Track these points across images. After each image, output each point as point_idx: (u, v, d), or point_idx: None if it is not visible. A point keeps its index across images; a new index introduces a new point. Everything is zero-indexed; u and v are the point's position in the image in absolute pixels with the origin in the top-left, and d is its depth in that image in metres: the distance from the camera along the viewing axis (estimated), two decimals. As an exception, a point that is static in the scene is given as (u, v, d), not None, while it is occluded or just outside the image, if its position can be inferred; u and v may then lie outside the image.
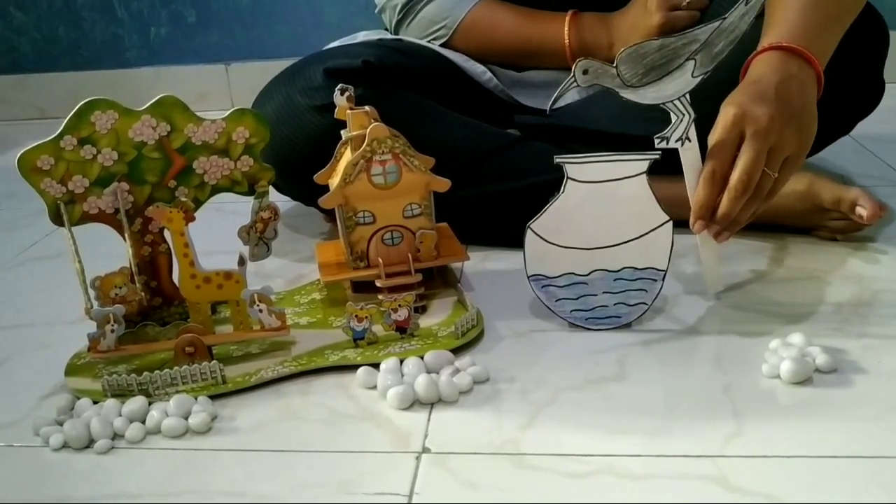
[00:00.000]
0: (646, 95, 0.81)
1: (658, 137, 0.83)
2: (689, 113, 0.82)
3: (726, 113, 0.82)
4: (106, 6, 1.97)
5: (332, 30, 1.88)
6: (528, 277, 0.86)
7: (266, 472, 0.69)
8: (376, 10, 1.24)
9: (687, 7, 1.08)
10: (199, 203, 0.86)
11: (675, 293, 0.92)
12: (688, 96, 0.82)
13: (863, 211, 0.97)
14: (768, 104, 0.81)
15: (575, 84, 0.81)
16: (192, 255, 0.82)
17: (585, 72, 0.81)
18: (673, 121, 0.82)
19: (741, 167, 0.81)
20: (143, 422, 0.75)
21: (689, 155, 0.84)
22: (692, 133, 0.83)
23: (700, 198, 0.83)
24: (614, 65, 0.80)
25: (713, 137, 0.82)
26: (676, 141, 0.83)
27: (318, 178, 0.93)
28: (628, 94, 0.82)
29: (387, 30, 1.26)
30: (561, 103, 1.16)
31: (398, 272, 0.90)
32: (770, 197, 0.84)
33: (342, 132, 0.93)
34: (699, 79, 0.81)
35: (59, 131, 0.81)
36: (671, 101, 0.82)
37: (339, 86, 0.93)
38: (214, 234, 0.89)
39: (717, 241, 0.85)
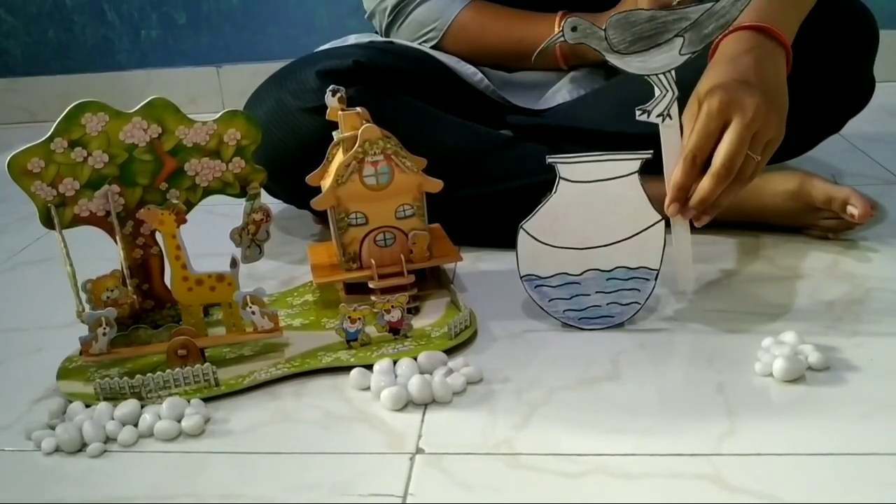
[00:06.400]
0: (631, 64, 0.81)
1: (639, 109, 0.83)
2: (672, 90, 0.81)
3: (713, 99, 0.81)
4: (96, 9, 1.97)
5: (323, 32, 1.88)
6: (521, 278, 0.86)
7: (260, 475, 0.69)
8: (366, 16, 1.24)
9: (677, 6, 1.08)
10: (190, 205, 0.86)
11: (667, 292, 0.92)
12: (673, 73, 0.81)
13: (854, 210, 0.98)
14: (754, 92, 0.81)
15: (562, 38, 0.81)
16: (184, 258, 0.81)
17: (574, 29, 0.81)
18: (656, 95, 0.82)
19: (726, 153, 0.81)
20: (136, 425, 0.75)
21: (669, 133, 0.83)
22: (674, 111, 0.82)
23: (678, 180, 0.83)
24: (603, 28, 0.80)
25: (694, 119, 0.83)
26: (657, 116, 0.82)
27: (310, 179, 0.93)
28: (614, 60, 0.81)
29: (377, 33, 1.26)
30: (552, 102, 1.17)
31: (391, 273, 0.90)
32: (750, 180, 0.85)
33: (334, 133, 0.93)
34: (686, 57, 0.80)
35: (49, 134, 0.80)
36: (656, 75, 0.81)
37: (331, 87, 0.93)
38: (206, 236, 0.89)
39: (697, 224, 0.85)
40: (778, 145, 0.85)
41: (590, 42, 0.81)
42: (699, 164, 0.82)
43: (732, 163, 0.81)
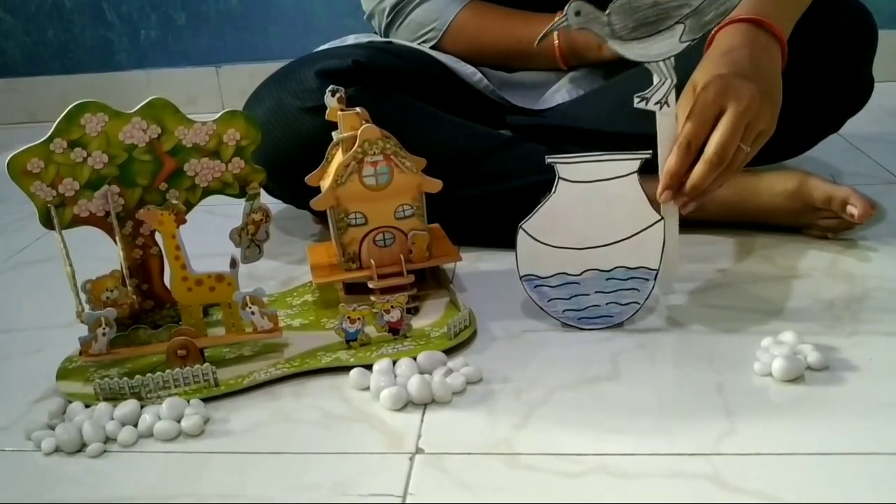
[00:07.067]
0: (632, 50, 0.81)
1: (638, 96, 0.83)
2: (671, 77, 0.81)
3: (709, 87, 0.82)
4: (95, 9, 1.97)
5: (322, 32, 1.88)
6: (521, 278, 0.86)
7: (259, 475, 0.69)
8: (364, 17, 1.24)
9: None
10: (190, 205, 0.86)
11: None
12: (672, 60, 0.81)
13: (854, 209, 0.98)
14: (750, 80, 0.82)
15: (566, 23, 0.81)
16: (184, 258, 0.81)
17: (578, 13, 0.80)
18: (655, 82, 0.82)
19: (719, 140, 0.81)
20: (136, 425, 0.75)
21: (666, 121, 0.83)
22: (671, 98, 0.82)
23: (671, 167, 0.83)
24: (607, 13, 0.80)
25: (689, 106, 0.83)
26: (655, 104, 0.82)
27: (309, 179, 0.93)
28: (616, 46, 0.81)
29: (376, 34, 1.26)
30: (551, 102, 1.17)
31: (390, 273, 0.90)
32: (738, 170, 0.85)
33: (333, 133, 0.93)
34: (685, 45, 0.80)
35: (49, 134, 0.80)
36: (655, 62, 0.81)
37: (330, 87, 0.93)
38: (206, 236, 0.89)
39: (683, 211, 0.86)
40: (768, 138, 0.86)
41: (592, 27, 0.81)
42: (693, 151, 0.83)
43: (725, 150, 0.82)
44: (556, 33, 1.15)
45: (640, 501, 0.63)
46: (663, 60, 0.81)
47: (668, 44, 0.80)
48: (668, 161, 0.83)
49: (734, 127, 0.81)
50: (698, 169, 0.82)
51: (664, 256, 0.86)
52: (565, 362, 0.81)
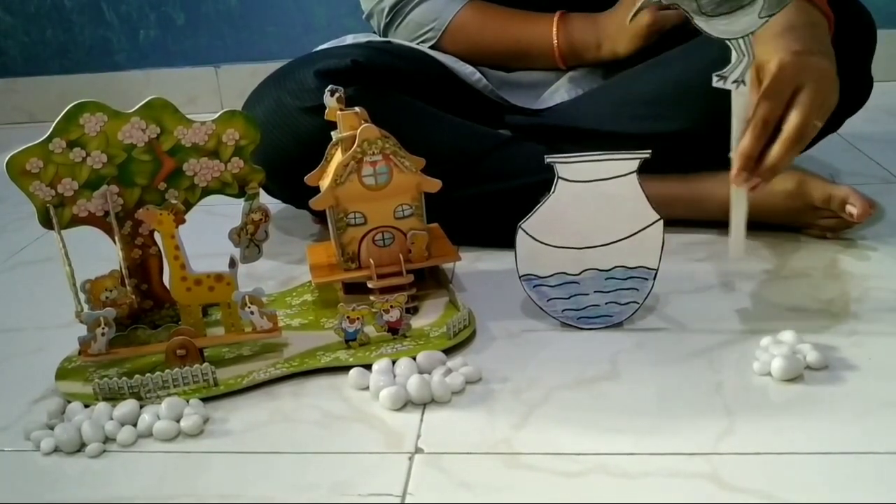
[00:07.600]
0: (716, 27, 0.79)
1: (717, 75, 0.81)
2: (749, 55, 0.80)
3: (785, 64, 0.81)
4: (94, 9, 1.97)
5: (321, 32, 1.88)
6: (520, 277, 0.86)
7: (259, 475, 0.69)
8: (363, 17, 1.24)
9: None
10: (189, 205, 0.86)
11: (666, 292, 0.92)
12: (751, 37, 0.79)
13: (853, 209, 0.98)
14: (823, 59, 0.81)
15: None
16: (183, 258, 0.81)
17: None
18: (733, 60, 0.80)
19: (801, 118, 0.80)
20: (135, 425, 0.75)
21: (740, 100, 0.82)
22: (748, 77, 0.81)
23: (747, 147, 0.82)
24: None
25: (757, 88, 0.82)
26: (733, 82, 0.81)
27: (308, 179, 0.93)
28: (700, 23, 0.79)
29: (375, 33, 1.25)
30: (550, 102, 1.17)
31: (389, 273, 0.90)
32: (805, 144, 0.84)
33: (333, 133, 0.93)
34: (764, 21, 0.78)
35: (48, 134, 0.80)
36: (736, 39, 0.80)
37: (329, 87, 0.93)
38: (205, 236, 0.89)
39: (753, 192, 0.84)
40: (828, 115, 0.85)
41: (680, 3, 0.79)
42: (770, 130, 0.82)
43: (806, 127, 0.81)
44: (554, 31, 1.15)
45: (639, 501, 0.63)
46: (743, 38, 0.79)
47: (749, 20, 0.78)
48: (742, 142, 0.82)
49: (813, 104, 0.80)
50: (778, 148, 0.81)
51: (732, 238, 0.85)
52: (565, 362, 0.81)
